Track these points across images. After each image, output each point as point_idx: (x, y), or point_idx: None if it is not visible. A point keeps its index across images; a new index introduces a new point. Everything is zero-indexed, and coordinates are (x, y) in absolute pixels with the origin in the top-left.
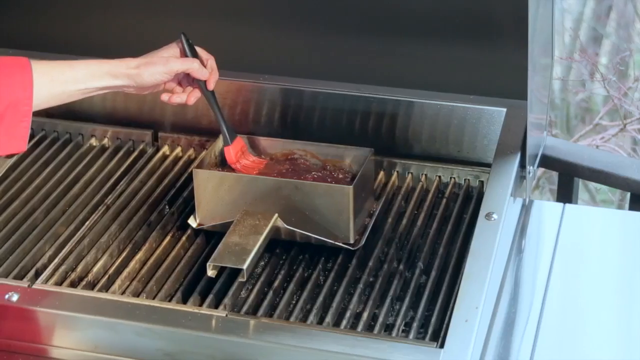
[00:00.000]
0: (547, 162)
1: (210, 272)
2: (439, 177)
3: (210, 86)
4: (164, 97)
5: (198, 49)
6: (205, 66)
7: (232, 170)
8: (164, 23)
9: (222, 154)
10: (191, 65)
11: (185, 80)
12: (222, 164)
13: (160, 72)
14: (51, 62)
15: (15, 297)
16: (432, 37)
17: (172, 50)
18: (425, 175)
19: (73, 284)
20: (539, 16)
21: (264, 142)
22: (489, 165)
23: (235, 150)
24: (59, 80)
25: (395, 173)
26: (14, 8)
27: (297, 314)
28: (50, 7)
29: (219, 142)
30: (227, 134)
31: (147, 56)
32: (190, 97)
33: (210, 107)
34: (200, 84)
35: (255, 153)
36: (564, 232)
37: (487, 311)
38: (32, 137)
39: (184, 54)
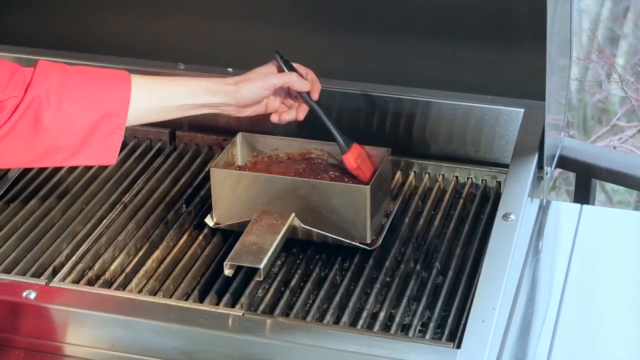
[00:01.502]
0: (565, 163)
1: (227, 271)
2: (456, 177)
3: (315, 96)
4: (274, 118)
5: (295, 65)
6: (305, 79)
7: (249, 169)
8: (177, 23)
9: (242, 154)
10: (289, 79)
11: (289, 97)
12: (241, 161)
13: (259, 87)
14: (151, 77)
15: (32, 295)
16: (450, 37)
17: (269, 68)
18: (443, 175)
19: (90, 282)
20: (557, 16)
21: (282, 141)
22: (506, 166)
23: (355, 156)
24: (158, 95)
25: (413, 173)
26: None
27: (314, 313)
28: (60, 5)
29: (237, 141)
30: (342, 142)
31: (244, 74)
32: (299, 111)
33: (319, 118)
34: (305, 97)
35: (272, 153)
36: (581, 233)
37: (504, 312)
38: None
39: (281, 70)
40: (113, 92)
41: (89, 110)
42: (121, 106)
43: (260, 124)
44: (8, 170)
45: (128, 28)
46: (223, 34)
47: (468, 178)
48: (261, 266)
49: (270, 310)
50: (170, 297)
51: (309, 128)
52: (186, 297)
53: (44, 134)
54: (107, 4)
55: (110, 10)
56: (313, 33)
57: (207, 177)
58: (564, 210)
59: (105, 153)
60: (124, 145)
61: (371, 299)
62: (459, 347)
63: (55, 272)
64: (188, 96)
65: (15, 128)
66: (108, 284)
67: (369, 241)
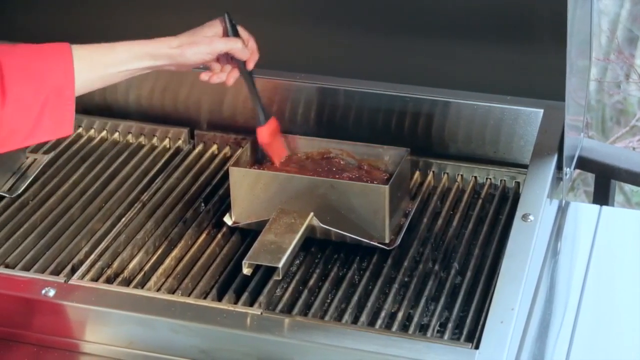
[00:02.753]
0: (584, 163)
1: (246, 270)
2: (475, 177)
3: (250, 66)
4: (204, 76)
5: (239, 29)
6: (246, 46)
7: (268, 168)
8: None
9: (259, 151)
10: (234, 46)
11: (224, 58)
12: (259, 161)
13: (203, 52)
14: (91, 45)
15: (51, 293)
16: (470, 37)
17: (214, 29)
18: (461, 175)
19: (109, 280)
20: (576, 17)
21: (300, 140)
22: (525, 167)
23: (269, 130)
24: (100, 64)
25: (431, 173)
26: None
27: (332, 313)
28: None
29: (256, 140)
30: (261, 115)
31: (188, 34)
32: (229, 77)
33: (247, 87)
34: (239, 64)
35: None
36: (600, 235)
37: (523, 313)
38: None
39: (226, 34)
40: (55, 66)
41: (35, 89)
42: (66, 79)
43: (279, 123)
44: (28, 167)
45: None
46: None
47: (487, 178)
48: (280, 265)
49: (288, 310)
50: (189, 295)
51: (328, 128)
52: (204, 295)
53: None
54: (113, 2)
55: (116, 8)
56: (332, 33)
57: (225, 176)
58: (583, 211)
59: (60, 126)
60: (142, 144)
61: (389, 298)
62: (477, 347)
63: (74, 270)
64: (130, 62)
65: None
66: (126, 282)
67: (387, 241)
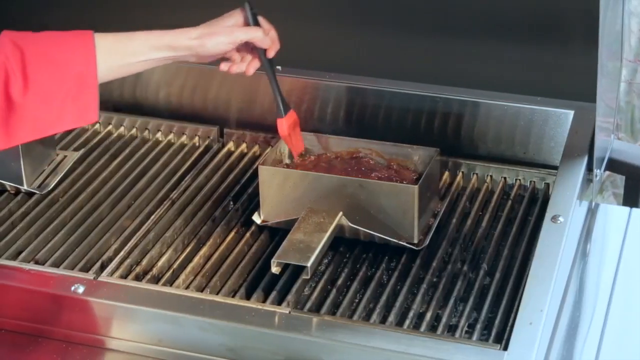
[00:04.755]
0: (614, 165)
1: (275, 269)
2: (504, 178)
3: (271, 54)
4: (224, 66)
5: (260, 19)
6: (266, 36)
7: (295, 168)
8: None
9: (290, 151)
10: (255, 34)
11: (244, 48)
12: (289, 158)
13: (224, 42)
14: (112, 34)
15: (81, 289)
16: (500, 37)
17: (234, 19)
18: (491, 176)
19: (138, 278)
20: (607, 18)
21: (329, 139)
22: (554, 168)
23: (288, 122)
24: (120, 53)
25: (460, 173)
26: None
27: (360, 312)
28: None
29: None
30: (281, 106)
31: (209, 25)
32: (249, 67)
33: (268, 76)
34: (260, 53)
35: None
36: (630, 237)
37: (552, 314)
38: (98, 132)
39: (247, 23)
40: (77, 54)
41: (57, 77)
42: (89, 67)
43: (308, 122)
44: (58, 164)
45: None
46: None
47: (516, 179)
48: (308, 264)
49: (316, 309)
50: (217, 293)
51: (357, 127)
52: (233, 294)
53: (19, 110)
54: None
55: (159, 5)
56: (362, 32)
57: (254, 175)
58: (613, 213)
59: (85, 113)
60: (172, 142)
61: (418, 299)
62: (506, 349)
63: (103, 267)
64: (149, 52)
65: None
66: (155, 280)
67: (416, 241)
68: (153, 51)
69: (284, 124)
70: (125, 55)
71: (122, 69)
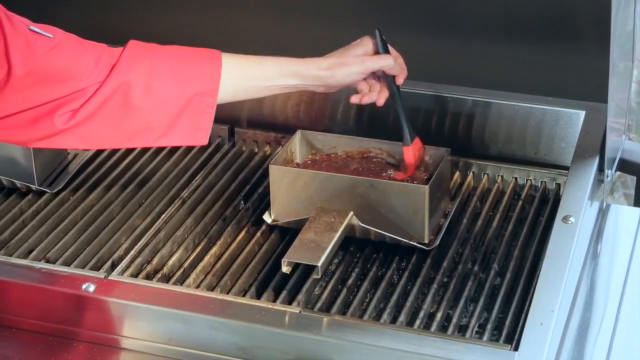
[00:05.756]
0: (625, 166)
1: (285, 268)
2: (515, 178)
3: (400, 81)
4: (354, 99)
5: (389, 47)
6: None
7: (306, 167)
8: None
9: (301, 151)
10: (386, 63)
11: (371, 75)
12: (300, 158)
13: (355, 72)
14: (240, 56)
15: (92, 288)
16: (511, 38)
17: (364, 47)
18: (502, 176)
19: (148, 276)
20: (619, 18)
21: (340, 139)
22: (565, 168)
23: (414, 150)
24: (247, 76)
25: (471, 174)
26: None
27: (371, 312)
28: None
29: (296, 138)
30: (407, 134)
31: (338, 54)
32: (380, 97)
33: (395, 105)
34: (389, 81)
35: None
36: None
37: (563, 315)
38: None
39: (376, 51)
40: (203, 72)
41: (179, 89)
42: (212, 85)
43: (319, 122)
44: (69, 163)
45: (191, 24)
46: (286, 30)
47: (527, 179)
48: (319, 264)
49: (327, 308)
50: (228, 292)
51: (368, 127)
52: (243, 293)
53: (135, 113)
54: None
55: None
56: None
57: (265, 174)
58: (624, 213)
59: (196, 133)
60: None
61: (428, 299)
62: (516, 349)
63: (114, 266)
64: (278, 78)
65: (102, 110)
66: (166, 279)
67: (426, 241)
68: (282, 78)
69: (409, 152)
70: (252, 79)
71: (247, 92)
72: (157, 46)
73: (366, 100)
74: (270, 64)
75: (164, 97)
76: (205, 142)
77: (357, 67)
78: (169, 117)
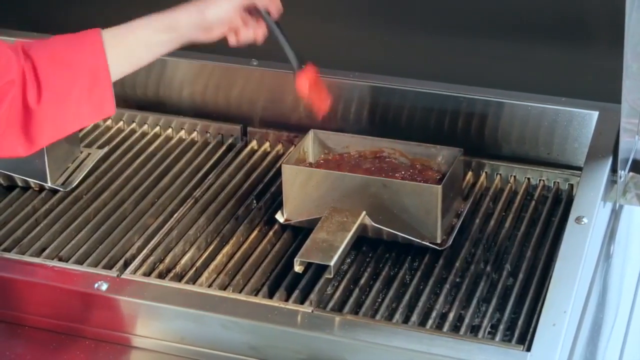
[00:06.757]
0: (638, 166)
1: (298, 268)
2: (528, 179)
3: (274, 14)
4: (232, 40)
5: None
6: None
7: (318, 167)
8: None
9: (313, 151)
10: None
11: (248, 15)
12: (313, 158)
13: (225, 9)
14: (116, 27)
15: (104, 286)
16: (525, 38)
17: None
18: (514, 177)
19: (161, 275)
20: (633, 19)
21: (353, 139)
22: (578, 169)
23: (308, 76)
24: (125, 43)
25: (484, 174)
26: None
27: (383, 312)
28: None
29: (308, 138)
30: (295, 60)
31: None
32: (257, 33)
33: (276, 36)
34: (264, 15)
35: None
36: None
37: (575, 315)
38: (121, 130)
39: None
40: (87, 52)
41: (70, 77)
42: (99, 60)
43: (332, 121)
44: (82, 161)
45: None
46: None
47: (540, 180)
48: (331, 263)
49: (339, 308)
50: (240, 292)
51: (380, 127)
52: (256, 292)
53: (38, 116)
54: None
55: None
56: (387, 32)
57: (278, 174)
58: (637, 214)
59: (102, 107)
60: (195, 140)
61: (441, 299)
62: (529, 349)
63: (126, 265)
64: (153, 36)
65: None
66: (178, 278)
67: (439, 241)
68: (156, 34)
69: (302, 79)
70: (131, 45)
71: (132, 60)
72: (38, 41)
73: (242, 37)
74: (142, 24)
75: (57, 89)
76: (113, 111)
77: (226, 4)
78: (71, 105)
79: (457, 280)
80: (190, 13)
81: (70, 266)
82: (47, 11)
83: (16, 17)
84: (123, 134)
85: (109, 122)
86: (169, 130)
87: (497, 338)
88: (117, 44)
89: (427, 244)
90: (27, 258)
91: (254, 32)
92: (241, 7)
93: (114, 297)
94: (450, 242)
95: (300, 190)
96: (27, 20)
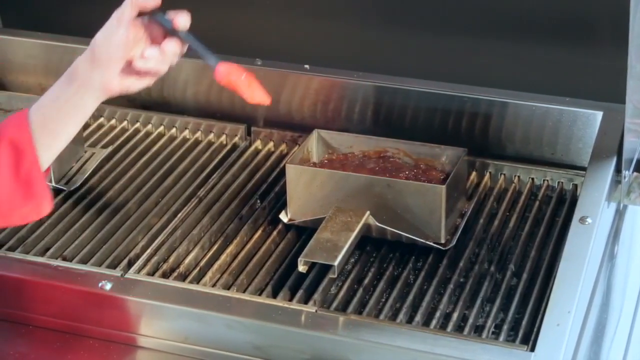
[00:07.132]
0: None
1: (301, 268)
2: (532, 179)
3: (179, 24)
4: (138, 63)
5: None
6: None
7: (322, 166)
8: (255, 17)
9: (317, 150)
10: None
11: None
12: (317, 157)
13: (111, 26)
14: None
15: (108, 286)
16: (529, 38)
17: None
18: (518, 177)
19: (165, 275)
20: (637, 19)
21: (357, 139)
22: (582, 169)
23: (225, 68)
24: (49, 107)
25: (488, 174)
26: None
27: (387, 312)
28: None
29: (312, 138)
30: (210, 57)
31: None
32: (163, 47)
33: (188, 42)
34: (167, 29)
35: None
36: None
37: (579, 316)
38: (125, 130)
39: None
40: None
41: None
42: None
43: (336, 121)
44: (86, 161)
45: (206, 23)
46: (302, 29)
47: (544, 180)
48: (335, 263)
49: (343, 308)
50: (244, 291)
51: (384, 127)
52: (259, 292)
53: None
54: None
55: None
56: (390, 31)
57: (282, 173)
58: None
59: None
60: (199, 140)
61: (444, 299)
62: (532, 350)
63: (130, 264)
64: (59, 93)
65: None
66: (182, 277)
67: (443, 241)
68: (61, 89)
69: (222, 70)
70: (49, 117)
71: (58, 128)
72: None
73: (148, 54)
74: (52, 88)
75: None
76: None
77: (110, 21)
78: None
79: (461, 280)
80: (84, 52)
81: (74, 265)
82: (51, 10)
83: (20, 17)
84: (127, 134)
85: (112, 122)
86: (173, 130)
87: (501, 338)
88: (45, 114)
89: (431, 244)
90: (31, 257)
91: (159, 50)
92: (127, 15)
93: (118, 297)
94: (454, 242)
95: (304, 190)
96: (31, 19)
